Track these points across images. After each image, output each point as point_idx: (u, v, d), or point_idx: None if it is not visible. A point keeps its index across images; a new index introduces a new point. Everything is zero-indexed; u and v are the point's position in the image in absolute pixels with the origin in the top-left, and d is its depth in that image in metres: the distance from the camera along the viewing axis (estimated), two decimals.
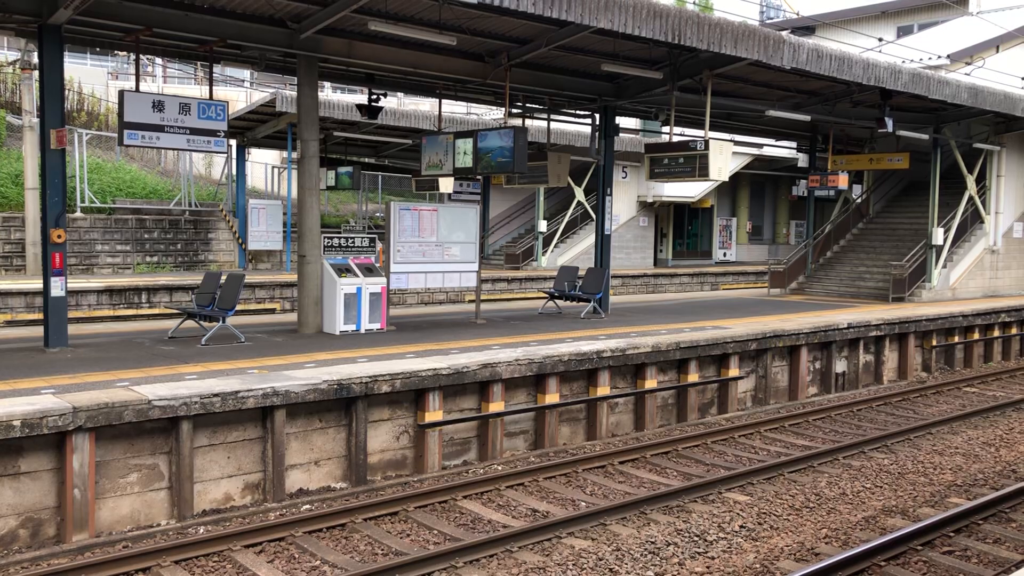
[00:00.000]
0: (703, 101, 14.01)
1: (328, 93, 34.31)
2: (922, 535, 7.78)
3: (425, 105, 33.11)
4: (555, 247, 29.65)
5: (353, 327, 12.91)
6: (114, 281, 19.56)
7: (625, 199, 30.98)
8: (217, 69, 14.09)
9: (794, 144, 25.37)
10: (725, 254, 36.21)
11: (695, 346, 12.62)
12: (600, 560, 7.30)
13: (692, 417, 12.76)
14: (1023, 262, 22.48)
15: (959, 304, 18.95)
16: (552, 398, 11.05)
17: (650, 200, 31.43)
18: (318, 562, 7.25)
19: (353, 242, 13.88)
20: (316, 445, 9.22)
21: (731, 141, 15.43)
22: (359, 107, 15.89)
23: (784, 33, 13.18)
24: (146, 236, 23.96)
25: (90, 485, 7.58)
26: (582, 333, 13.29)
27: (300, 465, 9.11)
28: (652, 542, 7.72)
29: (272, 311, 20.44)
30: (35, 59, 19.06)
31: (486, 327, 14.17)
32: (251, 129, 24.96)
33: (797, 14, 34.71)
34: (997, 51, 24.81)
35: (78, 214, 22.77)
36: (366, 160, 29.16)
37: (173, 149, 11.74)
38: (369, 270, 13.29)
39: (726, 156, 13.81)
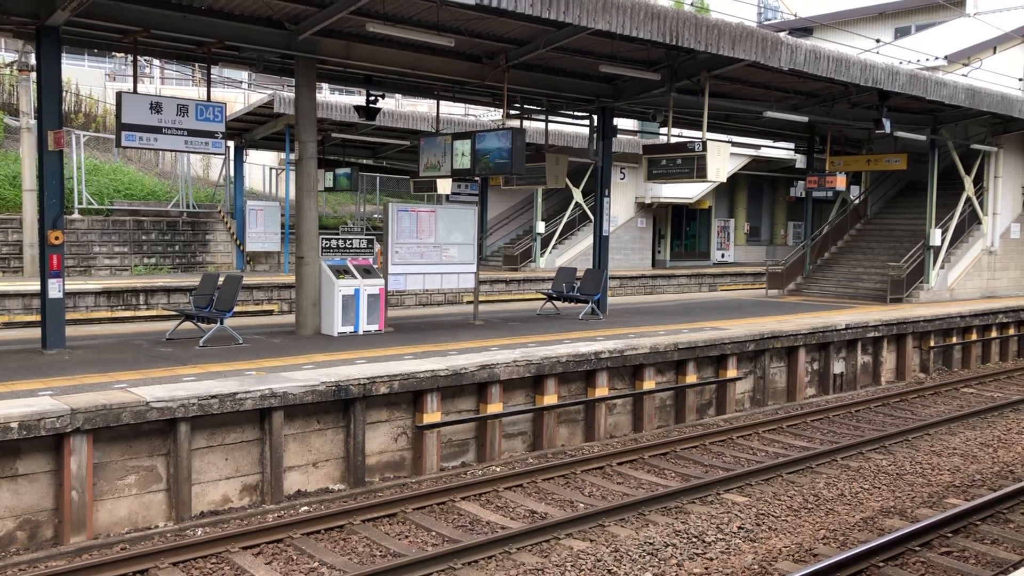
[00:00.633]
0: (701, 102, 14.03)
1: (326, 94, 34.30)
2: (920, 536, 7.79)
3: (423, 106, 33.12)
4: (553, 248, 29.65)
5: (351, 328, 12.91)
6: (112, 283, 19.54)
7: (623, 200, 30.99)
8: (215, 71, 14.12)
9: (792, 145, 25.41)
10: (723, 255, 36.23)
11: (693, 347, 12.63)
12: (598, 561, 7.30)
13: (690, 418, 12.76)
14: (1021, 263, 22.52)
15: (957, 305, 18.97)
16: (550, 399, 11.05)
17: (648, 201, 31.44)
18: (316, 564, 7.25)
19: (351, 243, 13.89)
20: (314, 447, 9.22)
21: (729, 142, 15.44)
22: (357, 108, 15.89)
23: (782, 34, 13.20)
24: (144, 238, 23.94)
25: (88, 487, 7.57)
26: (580, 334, 13.30)
27: (298, 467, 9.10)
28: (650, 543, 7.72)
29: (270, 313, 20.43)
30: (32, 61, 19.06)
31: (484, 328, 14.17)
32: (249, 130, 24.96)
33: (795, 15, 34.73)
34: (994, 52, 24.81)
35: (76, 216, 22.75)
36: (364, 161, 29.15)
37: (171, 151, 11.75)
38: (367, 271, 13.29)
39: (724, 157, 13.82)
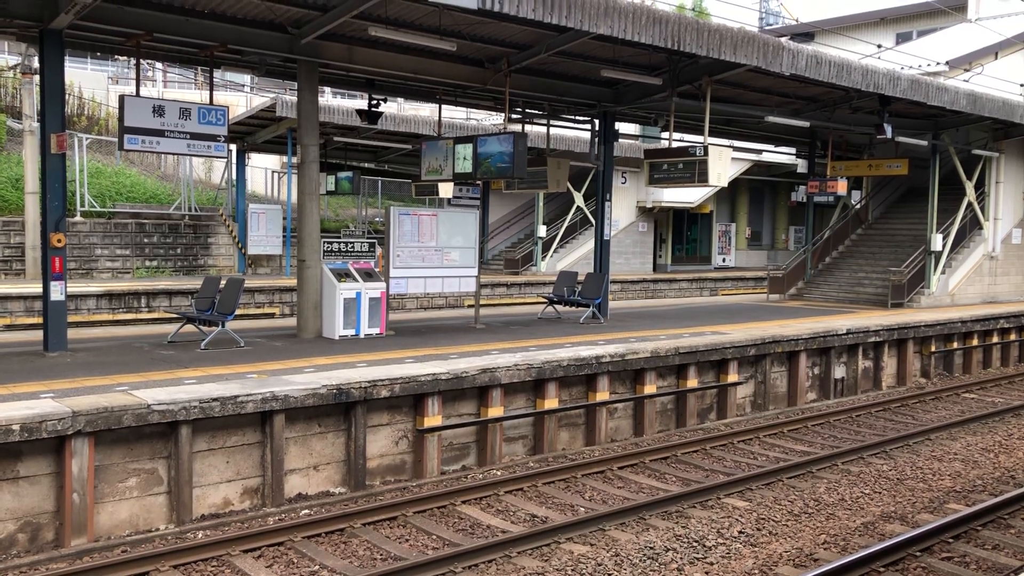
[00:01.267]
0: (702, 107, 14.04)
1: (328, 98, 34.32)
2: (921, 541, 7.79)
3: (425, 110, 33.12)
4: (554, 252, 29.65)
5: (352, 332, 12.92)
6: (114, 285, 19.56)
7: (624, 204, 31.00)
8: (217, 74, 14.13)
9: (793, 150, 25.41)
10: (724, 260, 36.23)
11: (694, 351, 12.63)
12: (599, 566, 7.30)
13: (691, 422, 12.76)
14: (1022, 268, 22.51)
15: (958, 310, 18.96)
16: (551, 403, 11.05)
17: (649, 205, 31.45)
18: (317, 567, 7.25)
19: (353, 247, 13.88)
20: (315, 450, 9.22)
21: (730, 147, 15.45)
22: (359, 112, 15.92)
23: (783, 39, 13.22)
24: (146, 240, 23.97)
25: (89, 489, 7.58)
26: (581, 338, 13.30)
27: (299, 470, 9.11)
28: (651, 548, 7.72)
29: (271, 315, 20.44)
30: (36, 64, 19.12)
31: (485, 332, 14.18)
32: (251, 134, 25.00)
33: (796, 20, 34.76)
34: (996, 58, 24.85)
35: (78, 218, 22.78)
36: (366, 165, 29.20)
37: (173, 154, 11.76)
38: (368, 275, 13.30)
39: (725, 162, 13.83)
